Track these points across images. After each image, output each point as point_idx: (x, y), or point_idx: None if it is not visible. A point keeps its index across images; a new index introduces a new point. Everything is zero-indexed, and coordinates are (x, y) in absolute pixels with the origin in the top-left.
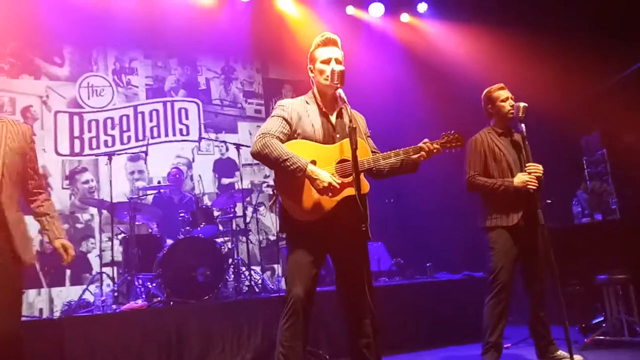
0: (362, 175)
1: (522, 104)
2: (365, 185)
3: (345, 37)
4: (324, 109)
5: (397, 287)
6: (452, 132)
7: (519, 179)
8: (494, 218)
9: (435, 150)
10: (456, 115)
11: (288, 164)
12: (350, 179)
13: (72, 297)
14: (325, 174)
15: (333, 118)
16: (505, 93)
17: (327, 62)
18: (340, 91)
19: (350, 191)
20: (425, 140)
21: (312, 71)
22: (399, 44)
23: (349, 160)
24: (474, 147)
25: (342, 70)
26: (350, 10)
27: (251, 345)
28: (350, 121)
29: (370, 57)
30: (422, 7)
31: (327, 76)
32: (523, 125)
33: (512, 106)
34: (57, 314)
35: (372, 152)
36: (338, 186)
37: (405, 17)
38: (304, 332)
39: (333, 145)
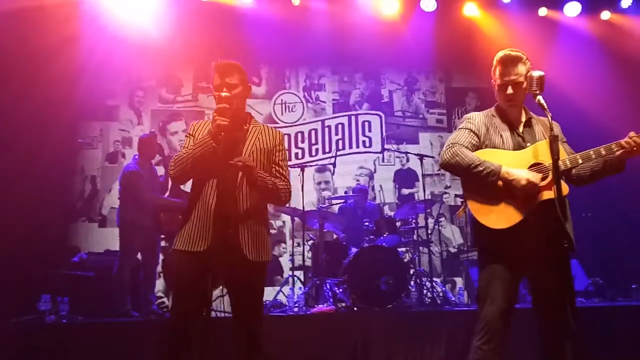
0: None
1: None
2: (565, 188)
3: (538, 39)
4: (510, 122)
5: (596, 310)
6: None
7: None
8: None
9: None
10: None
11: (480, 168)
12: (547, 181)
13: (266, 297)
14: (522, 172)
15: (521, 129)
16: None
17: (504, 86)
18: (539, 98)
19: (548, 194)
20: (632, 133)
21: (495, 87)
22: (598, 42)
23: (542, 164)
24: None
25: (541, 76)
26: (543, 11)
27: (434, 359)
28: (552, 129)
29: (565, 58)
30: (626, 3)
31: (506, 95)
32: None
33: None
34: None
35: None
36: (538, 182)
37: (605, 15)
38: (500, 353)
39: (525, 150)
